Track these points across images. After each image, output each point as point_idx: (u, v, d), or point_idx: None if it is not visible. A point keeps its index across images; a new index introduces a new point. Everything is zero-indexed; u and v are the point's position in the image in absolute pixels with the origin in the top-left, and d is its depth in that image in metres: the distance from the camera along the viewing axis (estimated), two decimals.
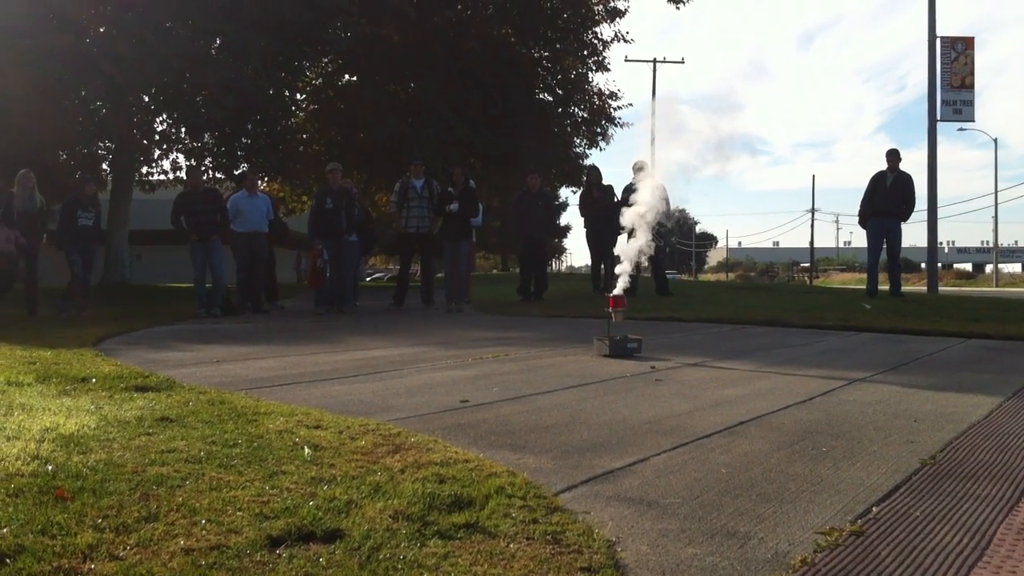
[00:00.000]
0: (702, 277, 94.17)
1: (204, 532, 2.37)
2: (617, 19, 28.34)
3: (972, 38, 21.89)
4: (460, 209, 13.62)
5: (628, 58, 51.74)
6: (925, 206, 20.68)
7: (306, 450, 3.32)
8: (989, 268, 76.44)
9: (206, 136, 22.18)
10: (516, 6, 25.51)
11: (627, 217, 7.19)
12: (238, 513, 2.53)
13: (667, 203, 7.27)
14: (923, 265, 39.83)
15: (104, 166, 23.75)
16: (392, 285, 19.97)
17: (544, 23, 25.92)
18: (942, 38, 21.14)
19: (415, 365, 6.43)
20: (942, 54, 21.01)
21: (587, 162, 30.62)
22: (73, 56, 17.48)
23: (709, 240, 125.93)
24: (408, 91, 26.72)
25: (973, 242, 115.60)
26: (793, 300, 14.66)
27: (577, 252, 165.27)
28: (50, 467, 2.98)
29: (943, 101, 21.09)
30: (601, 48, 28.71)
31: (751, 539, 2.46)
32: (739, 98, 7.14)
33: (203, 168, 21.70)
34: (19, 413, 4.03)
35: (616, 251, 7.41)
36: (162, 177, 25.05)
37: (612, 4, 27.94)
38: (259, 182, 13.86)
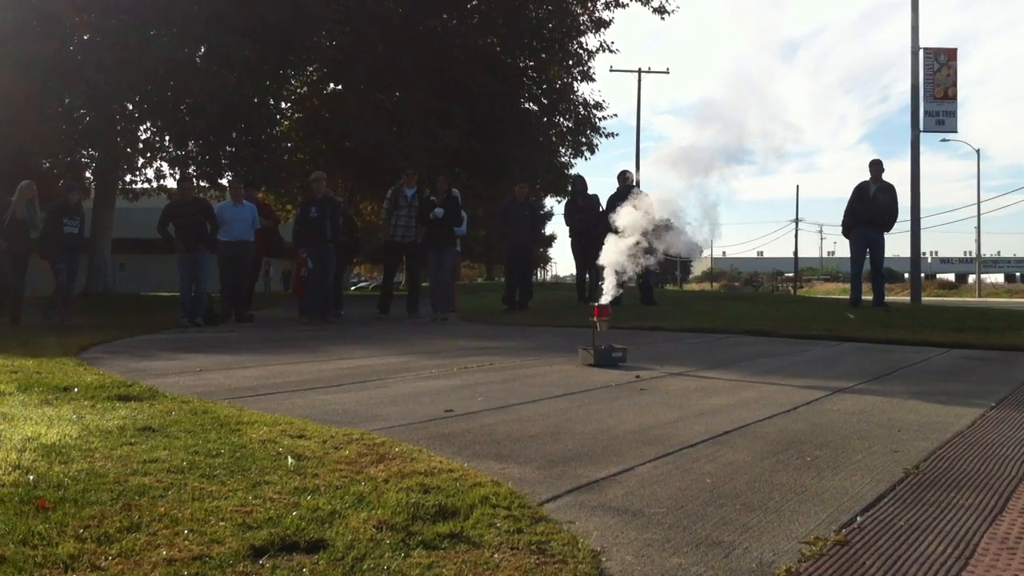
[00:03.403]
0: (687, 287, 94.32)
1: (186, 542, 2.35)
2: (602, 29, 28.45)
3: (955, 49, 22.03)
4: (443, 217, 13.60)
5: (613, 68, 51.86)
6: (908, 216, 20.80)
7: (289, 460, 3.31)
8: (972, 278, 76.89)
9: (190, 144, 22.12)
10: (501, 16, 25.57)
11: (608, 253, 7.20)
12: (221, 523, 2.52)
13: (654, 217, 7.27)
14: (906, 275, 40.02)
15: (88, 174, 23.67)
16: (376, 293, 19.93)
17: (529, 33, 25.97)
18: (925, 49, 21.27)
19: (400, 374, 6.42)
20: (925, 65, 21.13)
21: (572, 171, 30.65)
22: (57, 63, 17.42)
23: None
24: (393, 100, 26.70)
25: (956, 252, 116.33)
26: (777, 310, 14.71)
27: (562, 261, 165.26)
28: (31, 477, 2.96)
29: (926, 112, 21.21)
30: (586, 58, 28.80)
31: (736, 549, 2.46)
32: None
33: (190, 175, 21.61)
34: (0, 422, 3.99)
35: (601, 262, 7.40)
36: (145, 185, 24.99)
37: (597, 15, 28.02)
38: (242, 189, 13.79)
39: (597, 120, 30.13)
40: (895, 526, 2.70)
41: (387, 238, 14.33)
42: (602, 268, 7.34)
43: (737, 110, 7.37)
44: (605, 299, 7.17)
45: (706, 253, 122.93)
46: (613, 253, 7.13)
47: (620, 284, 7.29)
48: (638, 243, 7.05)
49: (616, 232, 7.15)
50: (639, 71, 50.59)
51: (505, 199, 17.16)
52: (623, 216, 7.16)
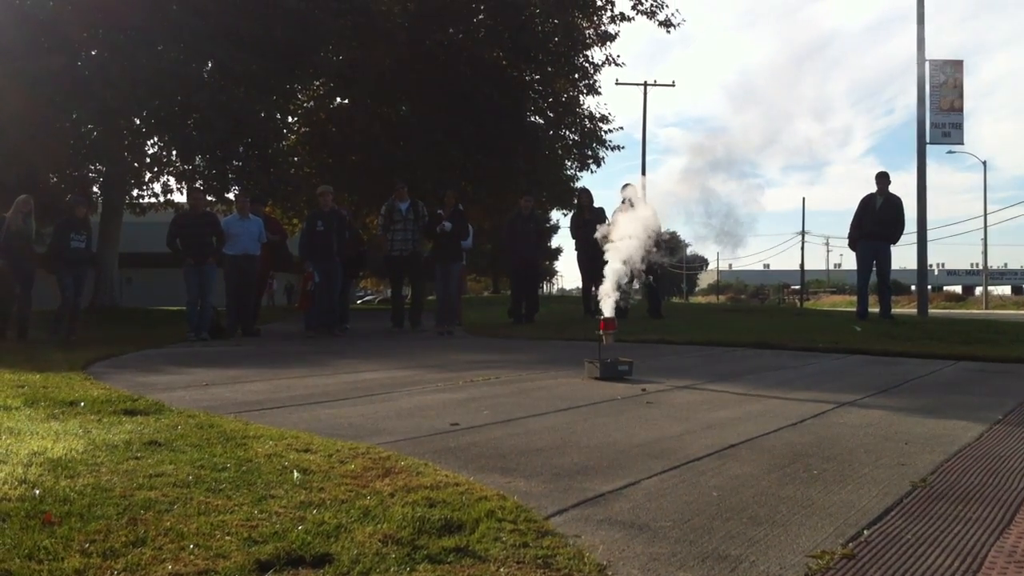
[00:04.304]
0: (693, 299, 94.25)
1: (192, 557, 2.35)
2: (608, 43, 28.49)
3: (961, 61, 22.03)
4: (451, 230, 13.63)
5: (619, 81, 51.85)
6: (915, 228, 20.76)
7: (295, 474, 3.31)
8: (979, 290, 76.65)
9: (197, 159, 22.16)
10: (507, 30, 25.61)
11: (611, 258, 7.20)
12: (226, 537, 2.52)
13: (657, 227, 7.26)
14: (913, 287, 39.93)
15: (95, 189, 23.73)
16: (384, 308, 19.96)
17: (535, 46, 26.00)
18: (931, 61, 21.25)
19: (405, 388, 6.42)
20: (931, 77, 21.11)
21: (578, 185, 30.70)
22: (65, 78, 17.50)
23: (700, 262, 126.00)
24: (399, 114, 26.79)
25: (963, 264, 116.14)
26: (783, 322, 14.69)
27: (568, 275, 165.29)
28: (37, 491, 2.96)
29: (932, 124, 21.16)
30: (592, 71, 28.84)
31: (742, 563, 2.45)
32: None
33: (201, 188, 21.64)
34: (7, 437, 4.00)
35: (605, 274, 7.39)
36: (152, 200, 25.04)
37: (603, 28, 28.08)
38: (248, 203, 13.83)
39: (603, 133, 30.20)
40: (902, 540, 2.69)
41: (385, 253, 14.36)
42: (601, 281, 7.35)
43: (780, 98, 7.25)
44: (609, 311, 7.16)
45: (712, 265, 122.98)
46: (613, 264, 7.15)
47: (623, 296, 7.27)
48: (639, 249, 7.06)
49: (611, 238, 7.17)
50: (645, 84, 50.67)
51: (512, 212, 17.20)
52: (621, 225, 7.18)
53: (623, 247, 7.05)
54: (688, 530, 2.75)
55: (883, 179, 13.89)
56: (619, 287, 7.13)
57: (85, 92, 17.61)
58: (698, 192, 7.09)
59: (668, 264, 7.34)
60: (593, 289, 15.16)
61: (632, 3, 27.46)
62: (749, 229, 7.30)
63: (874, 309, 14.90)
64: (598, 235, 7.48)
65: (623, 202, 8.29)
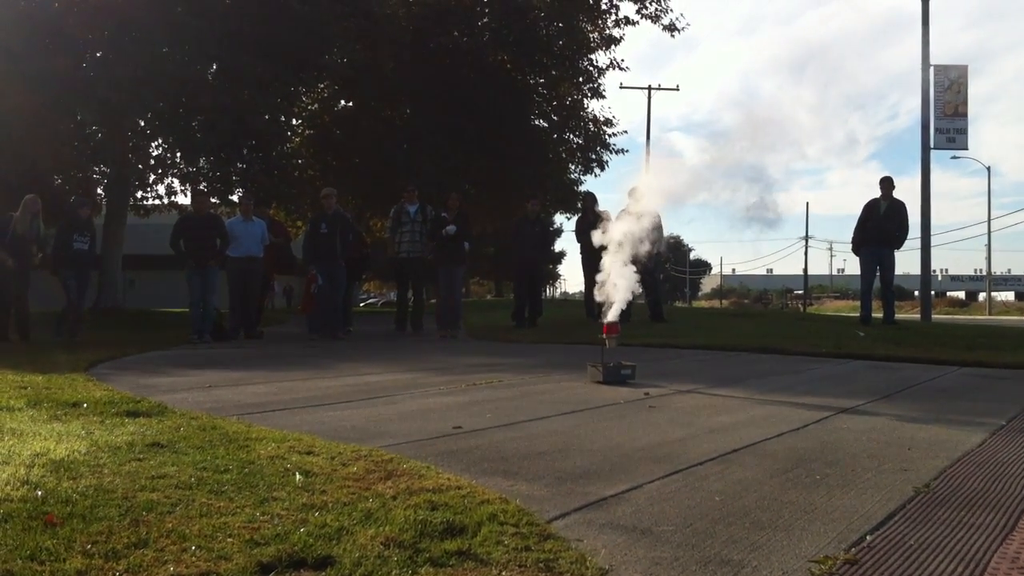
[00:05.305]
0: (696, 304, 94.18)
1: (194, 558, 2.35)
2: (612, 47, 28.52)
3: (965, 66, 22.07)
4: (456, 233, 13.63)
5: (623, 85, 51.88)
6: (919, 234, 20.74)
7: (298, 476, 3.31)
8: (982, 296, 76.58)
9: (201, 161, 22.19)
10: (512, 33, 25.64)
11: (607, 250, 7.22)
12: (228, 539, 2.51)
13: (660, 230, 7.27)
14: (916, 293, 39.89)
15: (99, 190, 23.76)
16: (386, 311, 19.95)
17: (540, 50, 26.04)
18: (935, 66, 21.24)
19: (408, 391, 6.41)
20: (935, 82, 21.10)
21: (582, 188, 30.71)
22: (70, 79, 17.53)
23: (703, 267, 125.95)
24: (403, 117, 26.81)
25: (966, 270, 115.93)
26: (787, 327, 14.67)
27: (571, 278, 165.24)
28: (40, 492, 2.96)
29: (936, 129, 21.16)
30: (596, 75, 28.84)
31: (745, 567, 2.45)
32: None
33: (205, 190, 21.66)
34: (9, 438, 4.00)
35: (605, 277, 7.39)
36: (156, 202, 25.07)
37: (607, 32, 28.11)
38: (252, 205, 13.83)
39: (607, 137, 30.19)
40: (905, 545, 2.68)
41: (392, 255, 14.36)
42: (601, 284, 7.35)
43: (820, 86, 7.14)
44: (613, 315, 7.16)
45: (715, 270, 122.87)
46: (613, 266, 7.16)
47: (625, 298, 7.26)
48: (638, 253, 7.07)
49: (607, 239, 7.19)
50: (649, 88, 50.67)
51: (518, 215, 17.23)
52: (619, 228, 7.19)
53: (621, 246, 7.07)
54: (690, 534, 2.75)
55: (887, 184, 13.86)
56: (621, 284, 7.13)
57: (89, 93, 17.63)
58: (733, 165, 7.02)
59: (666, 250, 7.33)
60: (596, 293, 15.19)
61: (636, 7, 27.48)
62: (777, 218, 7.24)
63: (877, 314, 14.88)
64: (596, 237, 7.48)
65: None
